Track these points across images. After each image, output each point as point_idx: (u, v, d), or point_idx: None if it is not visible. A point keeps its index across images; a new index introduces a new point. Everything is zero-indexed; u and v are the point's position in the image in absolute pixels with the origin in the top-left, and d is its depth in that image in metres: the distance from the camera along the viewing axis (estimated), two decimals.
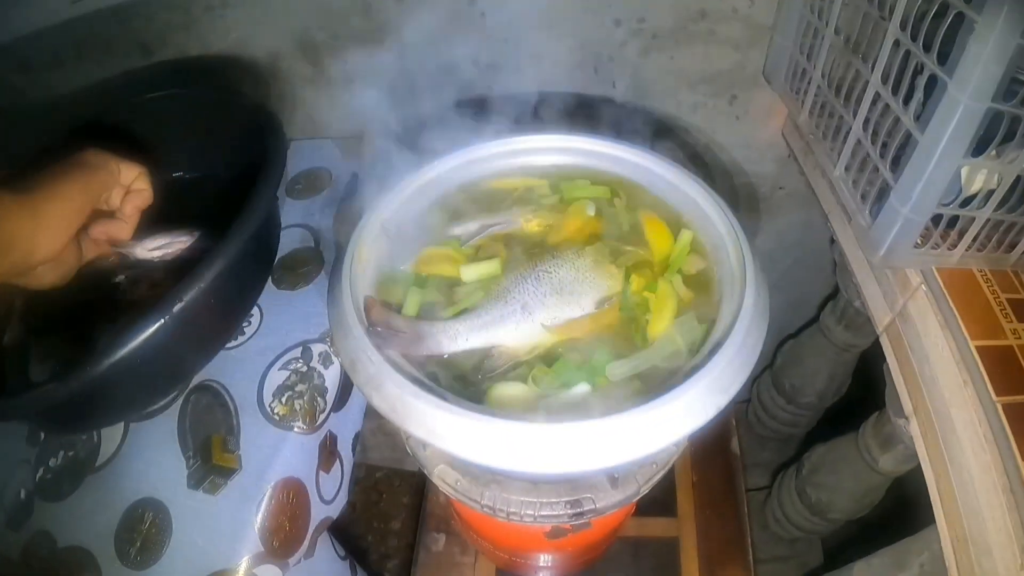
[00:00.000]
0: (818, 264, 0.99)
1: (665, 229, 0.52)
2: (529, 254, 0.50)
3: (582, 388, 0.41)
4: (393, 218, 0.51)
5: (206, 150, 0.75)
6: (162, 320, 0.47)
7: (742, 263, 0.43)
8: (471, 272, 0.49)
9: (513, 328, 0.44)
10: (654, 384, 0.41)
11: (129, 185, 0.53)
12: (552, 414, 0.38)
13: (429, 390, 0.38)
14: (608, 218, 0.54)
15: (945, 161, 0.46)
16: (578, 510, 0.49)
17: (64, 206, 0.45)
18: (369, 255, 0.48)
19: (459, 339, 0.44)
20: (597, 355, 0.44)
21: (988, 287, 0.55)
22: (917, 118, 0.49)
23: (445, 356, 0.45)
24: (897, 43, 0.51)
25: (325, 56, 0.84)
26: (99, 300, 0.61)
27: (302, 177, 0.85)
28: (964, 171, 0.51)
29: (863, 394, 0.96)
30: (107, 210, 0.53)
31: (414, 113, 0.86)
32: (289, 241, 0.76)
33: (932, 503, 0.54)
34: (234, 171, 0.65)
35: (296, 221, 0.78)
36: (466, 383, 0.43)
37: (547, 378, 0.42)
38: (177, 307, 0.48)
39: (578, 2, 0.74)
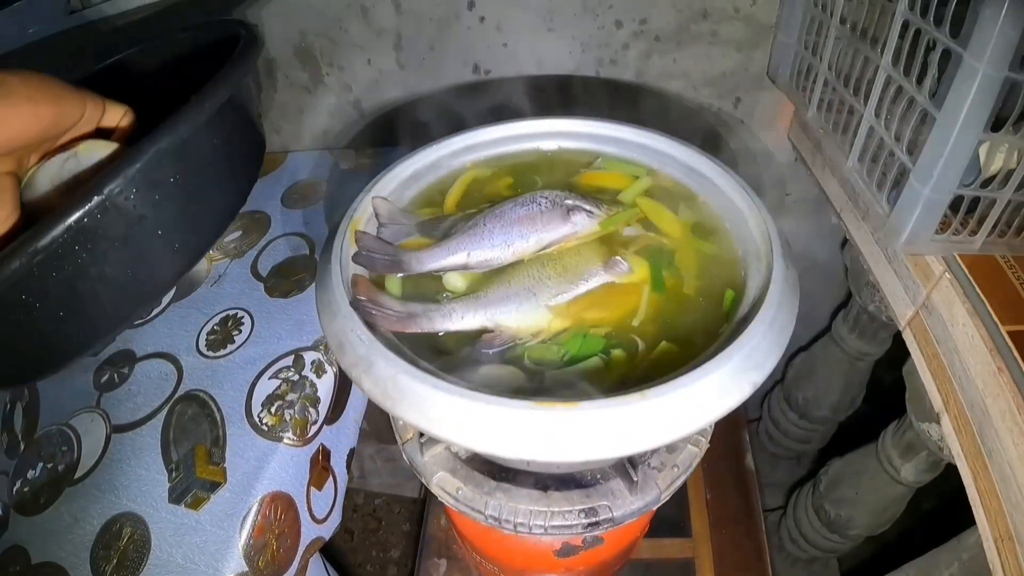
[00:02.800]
0: (828, 273, 0.97)
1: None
2: None
3: (593, 362, 0.37)
4: (388, 206, 0.48)
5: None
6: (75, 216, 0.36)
7: (767, 237, 0.40)
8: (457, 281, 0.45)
9: (515, 308, 0.41)
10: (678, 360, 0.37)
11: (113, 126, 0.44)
12: (560, 393, 0.34)
13: (427, 370, 0.34)
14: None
15: (965, 135, 0.44)
16: (593, 519, 0.44)
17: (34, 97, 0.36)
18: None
19: (453, 317, 0.40)
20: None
21: (1013, 273, 0.52)
22: (932, 96, 0.48)
23: (439, 334, 0.41)
24: (906, 23, 0.50)
25: (323, 64, 0.83)
26: None
27: (299, 187, 0.84)
28: (983, 150, 0.49)
29: (876, 408, 0.93)
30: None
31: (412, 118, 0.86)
32: (283, 249, 0.74)
33: (970, 502, 0.51)
34: None
35: (291, 230, 0.77)
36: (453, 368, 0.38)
37: (549, 352, 0.38)
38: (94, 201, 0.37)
39: (578, 3, 0.73)
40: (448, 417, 0.31)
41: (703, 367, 0.32)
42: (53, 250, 0.36)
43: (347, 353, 0.35)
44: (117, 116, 0.44)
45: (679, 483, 0.44)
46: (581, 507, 0.43)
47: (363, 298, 0.39)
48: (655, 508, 0.44)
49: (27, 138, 0.38)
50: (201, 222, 0.52)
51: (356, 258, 0.42)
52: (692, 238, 0.46)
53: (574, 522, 0.43)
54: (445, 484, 0.46)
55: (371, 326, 0.37)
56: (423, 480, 0.47)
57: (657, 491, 0.43)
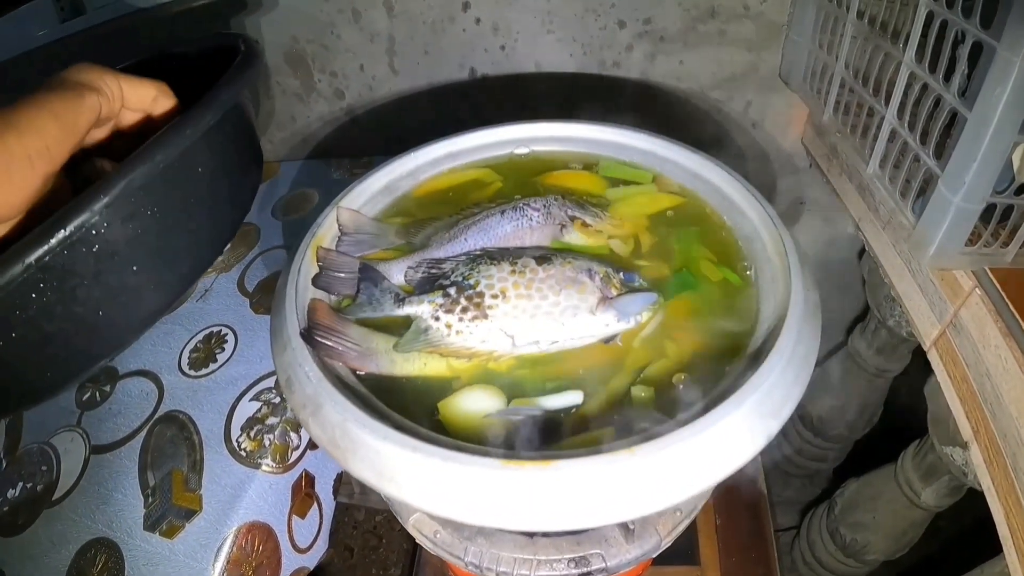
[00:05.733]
0: (844, 284, 0.92)
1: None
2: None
3: (572, 396, 0.32)
4: (354, 217, 0.44)
5: None
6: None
7: (783, 254, 0.35)
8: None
9: (487, 356, 0.36)
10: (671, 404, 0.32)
11: (147, 108, 0.40)
12: (538, 445, 0.29)
13: (382, 418, 0.29)
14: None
15: (1000, 137, 0.40)
16: (584, 569, 0.40)
17: (31, 144, 0.31)
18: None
19: (416, 362, 0.36)
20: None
21: None
22: (962, 94, 0.43)
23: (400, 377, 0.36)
24: (931, 15, 0.46)
25: (315, 70, 0.80)
26: None
27: (290, 198, 0.81)
28: (1017, 155, 0.45)
29: (894, 425, 0.89)
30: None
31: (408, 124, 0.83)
32: (271, 263, 0.71)
33: (1001, 539, 0.47)
34: None
35: (280, 243, 0.74)
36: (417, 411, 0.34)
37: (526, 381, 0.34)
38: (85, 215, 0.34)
39: (578, 2, 0.70)
40: (402, 475, 0.27)
41: (707, 416, 0.27)
42: (13, 288, 0.33)
43: (295, 392, 0.31)
44: (146, 97, 0.39)
45: (682, 527, 0.40)
46: (571, 556, 0.39)
47: (319, 327, 0.35)
48: (654, 556, 0.40)
49: (44, 175, 0.33)
50: (184, 256, 0.48)
51: (316, 280, 0.38)
52: (696, 254, 0.41)
53: (563, 572, 0.39)
54: (422, 526, 0.42)
55: (328, 358, 0.33)
56: (399, 519, 0.43)
57: (657, 538, 0.39)
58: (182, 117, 0.40)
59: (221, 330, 0.64)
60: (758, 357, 0.30)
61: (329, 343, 0.34)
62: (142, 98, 0.39)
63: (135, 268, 0.40)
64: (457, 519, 0.26)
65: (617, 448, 0.26)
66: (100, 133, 0.38)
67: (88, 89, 0.35)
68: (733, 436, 0.27)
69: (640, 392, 0.33)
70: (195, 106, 0.41)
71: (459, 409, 0.33)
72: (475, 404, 0.33)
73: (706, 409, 0.28)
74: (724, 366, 0.33)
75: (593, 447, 0.27)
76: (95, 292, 0.38)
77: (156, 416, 0.58)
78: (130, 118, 0.39)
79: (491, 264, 0.37)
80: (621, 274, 0.37)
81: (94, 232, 0.35)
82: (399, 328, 0.38)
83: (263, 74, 0.82)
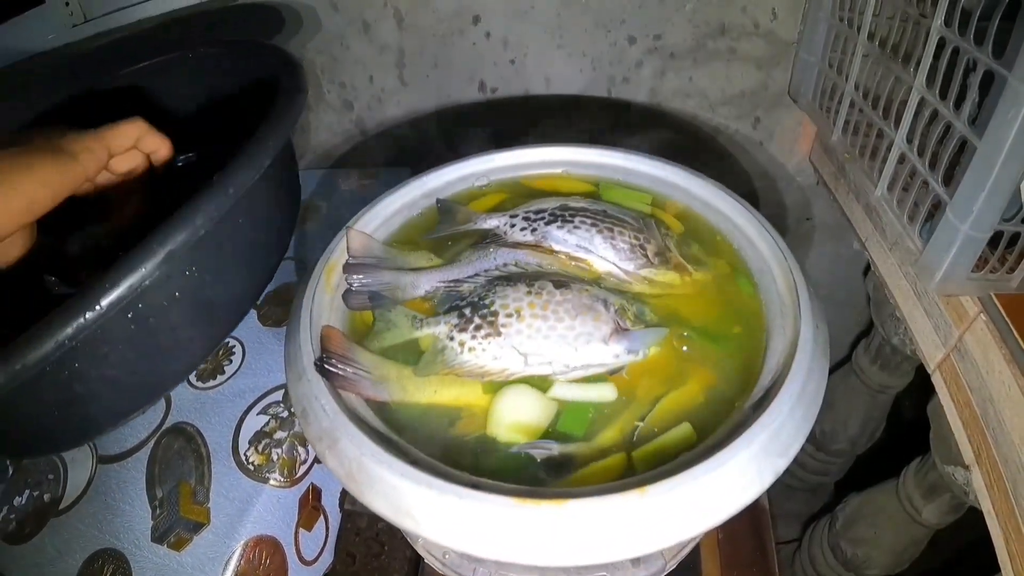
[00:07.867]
0: (849, 300, 0.93)
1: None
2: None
3: (606, 390, 0.33)
4: (366, 241, 0.44)
5: (220, 121, 0.58)
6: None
7: (792, 288, 0.36)
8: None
9: (499, 374, 0.36)
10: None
11: (131, 147, 0.42)
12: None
13: (399, 453, 0.29)
14: None
15: (1009, 167, 0.40)
16: None
17: (15, 205, 0.34)
18: (340, 280, 0.41)
19: (427, 389, 0.36)
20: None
21: None
22: (972, 122, 0.44)
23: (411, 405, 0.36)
24: (943, 41, 0.46)
25: (324, 80, 0.80)
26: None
27: None
28: None
29: (897, 439, 0.89)
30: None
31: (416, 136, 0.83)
32: (279, 274, 0.70)
33: (1000, 565, 0.48)
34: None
35: (287, 254, 0.73)
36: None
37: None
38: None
39: (589, 18, 0.70)
40: (418, 510, 0.28)
41: (717, 455, 0.27)
42: (42, 364, 0.31)
43: (311, 424, 0.32)
44: (128, 138, 0.42)
45: (688, 550, 0.41)
46: None
47: (332, 356, 0.35)
48: None
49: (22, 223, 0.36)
50: (218, 311, 0.45)
51: (347, 296, 0.39)
52: (707, 286, 0.41)
53: None
54: (431, 547, 0.42)
55: (341, 388, 0.34)
56: (409, 539, 0.44)
57: (662, 562, 0.40)
58: (220, 177, 0.36)
59: (229, 342, 0.64)
60: (767, 395, 0.31)
61: (342, 372, 0.34)
62: (126, 144, 0.41)
63: (171, 328, 0.38)
64: (472, 554, 0.27)
65: (629, 487, 0.27)
66: (90, 184, 0.42)
67: (73, 159, 0.37)
68: (742, 475, 0.28)
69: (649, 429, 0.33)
70: (234, 161, 0.37)
71: (506, 415, 0.34)
72: (522, 407, 0.33)
73: (716, 448, 0.28)
74: (733, 401, 0.33)
75: (606, 483, 0.27)
76: (129, 355, 0.37)
77: (163, 427, 0.58)
78: (122, 160, 0.42)
79: (508, 285, 0.38)
80: (635, 307, 0.38)
81: (126, 303, 0.33)
82: (413, 356, 0.38)
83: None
